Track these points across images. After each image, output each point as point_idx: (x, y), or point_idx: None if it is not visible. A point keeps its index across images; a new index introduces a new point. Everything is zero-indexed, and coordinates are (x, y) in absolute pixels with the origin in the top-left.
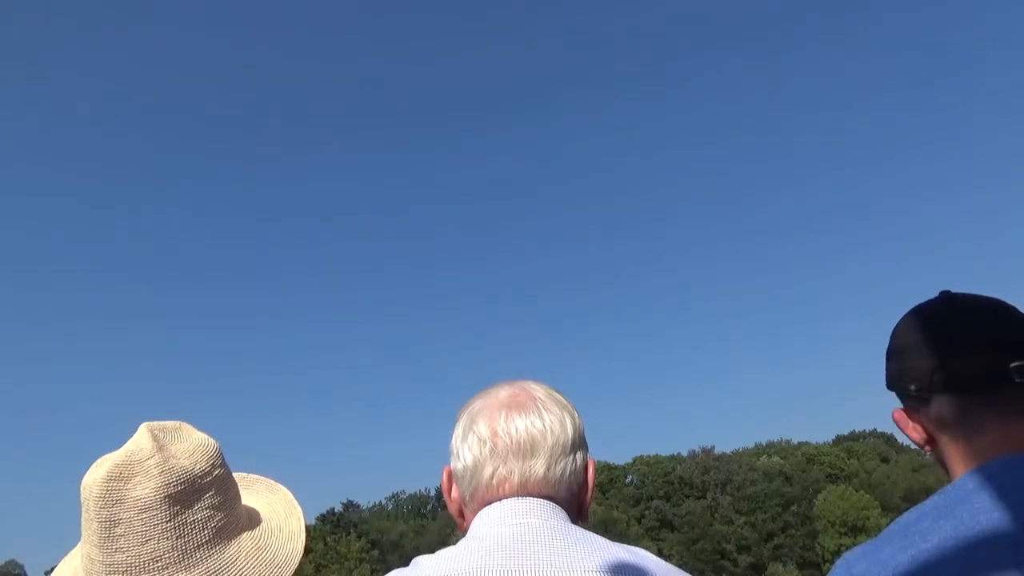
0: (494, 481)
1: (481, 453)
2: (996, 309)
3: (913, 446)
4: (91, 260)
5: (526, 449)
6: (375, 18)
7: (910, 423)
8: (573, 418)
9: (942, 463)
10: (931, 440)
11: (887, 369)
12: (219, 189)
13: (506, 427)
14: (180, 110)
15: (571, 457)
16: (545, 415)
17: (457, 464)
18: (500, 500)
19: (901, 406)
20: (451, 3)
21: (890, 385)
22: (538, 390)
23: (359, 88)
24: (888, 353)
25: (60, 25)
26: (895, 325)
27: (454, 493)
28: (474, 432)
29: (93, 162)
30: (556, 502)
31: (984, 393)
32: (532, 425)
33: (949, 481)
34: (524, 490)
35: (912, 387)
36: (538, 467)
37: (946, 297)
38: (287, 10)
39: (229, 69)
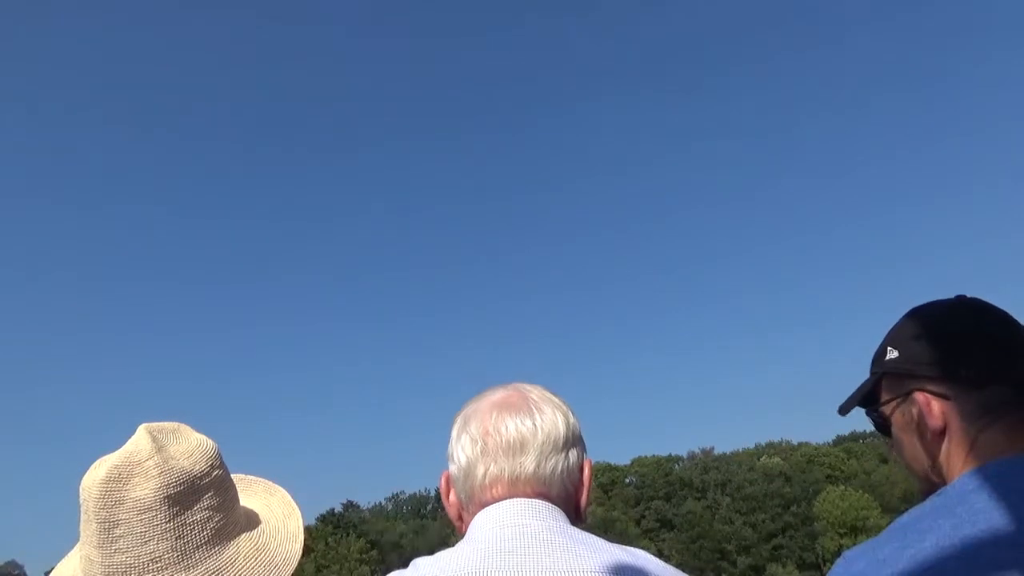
0: (487, 480)
1: (473, 453)
2: (1004, 314)
3: None
4: (90, 261)
5: (516, 447)
6: (375, 18)
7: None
8: (566, 417)
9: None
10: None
11: None
12: (219, 190)
13: (496, 426)
14: (178, 110)
15: (563, 454)
16: (536, 414)
17: (453, 466)
18: (497, 501)
19: None
20: (450, 4)
21: None
22: (532, 391)
23: (358, 88)
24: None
25: (57, 24)
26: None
27: (452, 497)
28: (467, 433)
29: (94, 163)
30: (551, 501)
31: (985, 395)
32: (522, 423)
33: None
34: (515, 487)
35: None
36: (527, 463)
37: (958, 299)
38: (284, 11)
39: (228, 69)
